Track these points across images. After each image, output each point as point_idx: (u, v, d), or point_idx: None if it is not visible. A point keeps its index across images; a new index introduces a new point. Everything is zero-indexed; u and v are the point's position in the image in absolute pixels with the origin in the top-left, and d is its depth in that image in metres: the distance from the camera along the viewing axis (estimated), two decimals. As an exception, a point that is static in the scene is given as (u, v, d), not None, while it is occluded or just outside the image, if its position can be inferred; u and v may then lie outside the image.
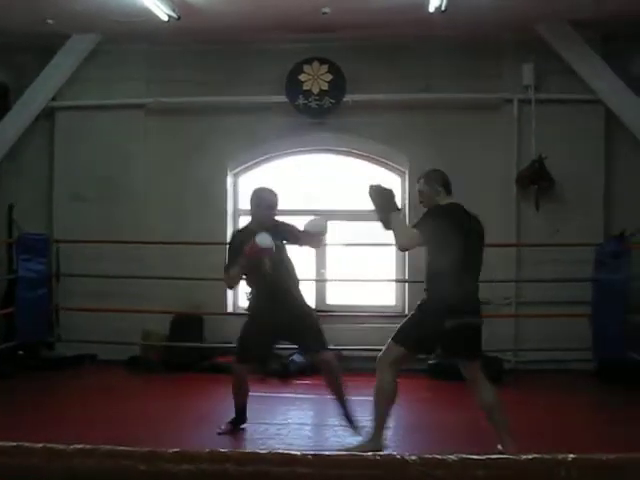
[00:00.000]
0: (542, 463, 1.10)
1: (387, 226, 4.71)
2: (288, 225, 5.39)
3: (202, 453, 1.33)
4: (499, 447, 4.52)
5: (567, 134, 7.60)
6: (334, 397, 5.40)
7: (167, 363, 7.55)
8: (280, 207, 5.40)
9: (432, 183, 4.81)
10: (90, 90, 7.89)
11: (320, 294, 8.18)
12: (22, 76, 7.87)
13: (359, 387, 5.78)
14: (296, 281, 5.44)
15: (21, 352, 7.64)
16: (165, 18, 6.58)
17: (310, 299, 8.13)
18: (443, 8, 6.09)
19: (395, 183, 8.18)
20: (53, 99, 7.96)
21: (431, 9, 6.23)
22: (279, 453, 1.33)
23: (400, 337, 4.74)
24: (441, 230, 4.52)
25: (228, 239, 8.05)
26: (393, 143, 7.87)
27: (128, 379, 7.31)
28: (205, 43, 7.74)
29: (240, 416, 5.46)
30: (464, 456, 1.20)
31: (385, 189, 4.77)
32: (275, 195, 5.34)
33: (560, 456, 1.11)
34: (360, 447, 4.77)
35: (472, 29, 7.29)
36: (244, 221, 8.35)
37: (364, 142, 7.97)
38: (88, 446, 1.31)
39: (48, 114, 8.01)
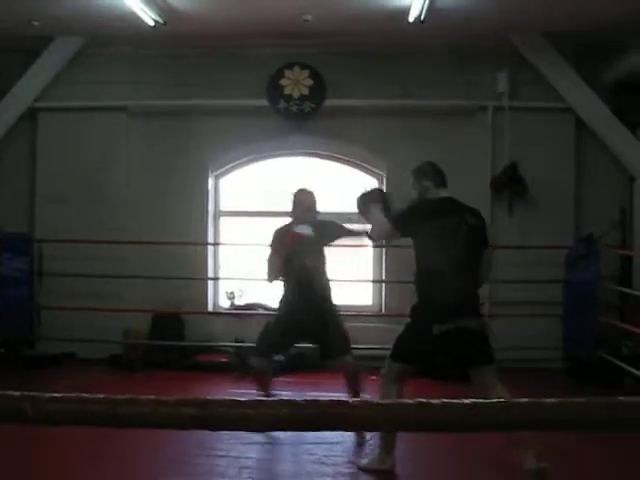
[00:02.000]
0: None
1: (367, 219, 4.72)
2: (330, 222, 5.53)
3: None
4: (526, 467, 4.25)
5: (539, 141, 7.99)
6: None
7: (148, 361, 7.79)
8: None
9: (419, 179, 4.68)
10: (74, 92, 8.11)
11: (299, 294, 8.47)
12: (6, 77, 8.03)
13: (338, 384, 6.06)
14: (328, 283, 5.51)
15: (1, 350, 7.82)
16: (151, 23, 6.85)
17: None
18: (422, 19, 6.44)
19: (373, 186, 8.54)
20: (36, 100, 8.14)
21: (411, 19, 6.58)
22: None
23: (394, 352, 4.58)
24: (420, 225, 4.42)
25: (208, 238, 8.40)
26: (372, 147, 8.19)
27: (109, 377, 7.51)
28: (189, 47, 8.02)
29: None
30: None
31: (372, 190, 4.89)
32: (312, 195, 5.52)
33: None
34: (369, 465, 4.76)
35: (449, 38, 7.65)
36: (224, 222, 8.69)
37: (343, 146, 8.29)
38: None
39: (31, 115, 8.21)
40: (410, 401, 1.40)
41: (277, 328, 5.45)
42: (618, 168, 8.00)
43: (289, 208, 5.63)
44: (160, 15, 6.84)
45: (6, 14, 7.10)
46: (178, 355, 7.86)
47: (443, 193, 4.64)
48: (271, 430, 1.45)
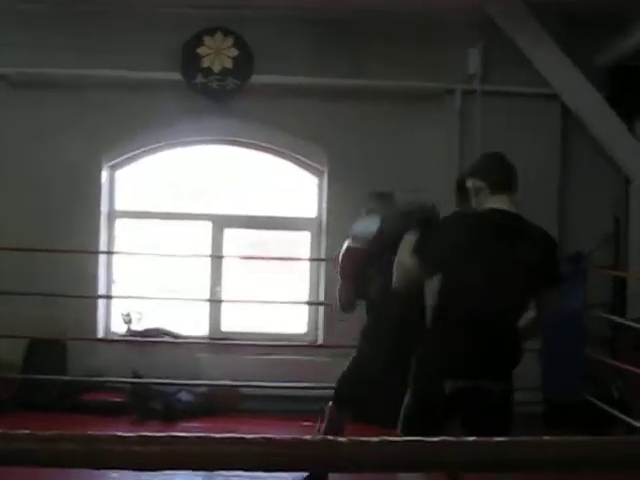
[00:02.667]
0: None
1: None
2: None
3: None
4: None
5: (517, 132, 7.94)
6: None
7: (20, 400, 7.54)
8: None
9: (473, 176, 4.24)
10: None
11: (214, 318, 8.41)
12: None
13: (263, 432, 5.92)
14: (415, 307, 5.16)
15: None
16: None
17: (201, 324, 8.33)
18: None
19: (311, 184, 8.44)
20: None
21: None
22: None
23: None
24: (449, 255, 4.04)
25: (100, 246, 8.16)
26: (310, 136, 8.13)
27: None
28: (84, 3, 7.80)
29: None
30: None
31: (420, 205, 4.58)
32: None
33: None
34: None
35: (411, 6, 7.61)
36: (121, 225, 8.47)
37: (274, 133, 8.22)
38: None
39: None
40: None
41: (355, 371, 5.38)
42: (612, 168, 8.08)
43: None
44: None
45: None
46: (59, 393, 7.64)
47: (497, 202, 4.15)
48: (160, 470, 1.41)
